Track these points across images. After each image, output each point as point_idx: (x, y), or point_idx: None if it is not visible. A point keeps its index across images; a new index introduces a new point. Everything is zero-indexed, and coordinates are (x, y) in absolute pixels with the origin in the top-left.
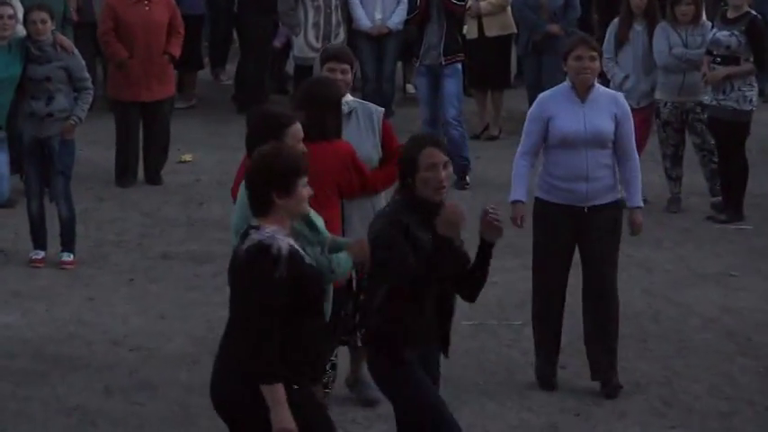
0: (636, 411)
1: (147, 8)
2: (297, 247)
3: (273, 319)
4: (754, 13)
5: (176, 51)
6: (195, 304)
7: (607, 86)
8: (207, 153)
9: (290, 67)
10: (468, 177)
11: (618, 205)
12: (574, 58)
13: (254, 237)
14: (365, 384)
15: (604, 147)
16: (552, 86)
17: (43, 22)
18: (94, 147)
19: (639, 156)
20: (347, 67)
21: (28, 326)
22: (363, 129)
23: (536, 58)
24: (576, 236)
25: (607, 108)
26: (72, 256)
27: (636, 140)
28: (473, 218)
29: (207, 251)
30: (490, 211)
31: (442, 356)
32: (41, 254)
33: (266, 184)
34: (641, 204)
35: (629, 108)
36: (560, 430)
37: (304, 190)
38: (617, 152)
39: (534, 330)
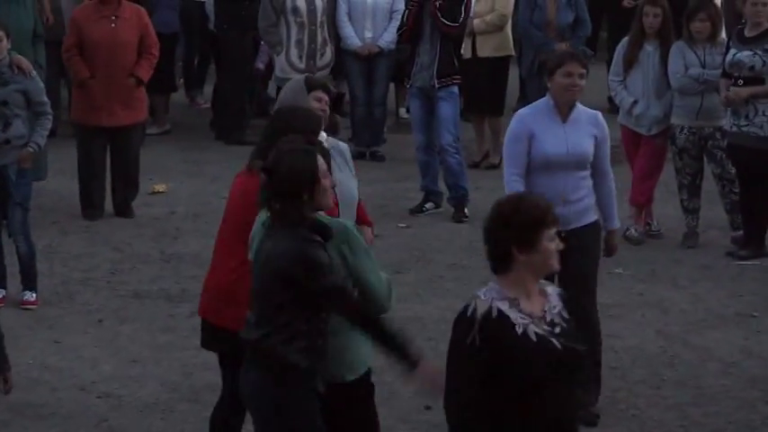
0: None
1: (112, 25)
2: (510, 312)
3: (474, 391)
4: None
5: (144, 74)
6: (170, 347)
7: (616, 111)
8: (182, 183)
9: (272, 89)
10: (466, 209)
11: (596, 226)
12: (563, 75)
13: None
14: None
15: (584, 168)
16: None
17: None
18: (60, 176)
19: (654, 186)
20: (328, 98)
21: None
22: (341, 167)
23: (542, 79)
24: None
25: (587, 128)
26: (34, 295)
27: (648, 171)
28: (470, 254)
29: (182, 289)
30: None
31: None
32: (1, 293)
33: (506, 238)
34: (618, 226)
35: (607, 128)
36: None
37: (551, 244)
38: (594, 173)
39: None
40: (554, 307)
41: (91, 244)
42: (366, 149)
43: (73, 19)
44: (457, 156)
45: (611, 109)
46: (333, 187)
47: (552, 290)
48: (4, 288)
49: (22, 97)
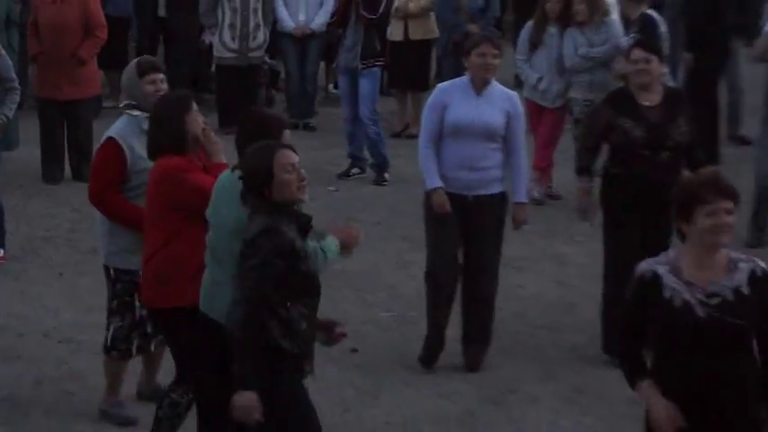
0: (549, 398)
1: (57, 8)
2: (666, 277)
3: (626, 340)
4: (648, 12)
5: (85, 54)
6: None
7: (520, 87)
8: None
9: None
10: (386, 174)
11: (503, 196)
12: (477, 55)
13: None
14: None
15: (493, 140)
16: None
17: None
18: (24, 145)
19: (553, 151)
20: (163, 76)
21: None
22: None
23: (455, 58)
24: (462, 223)
25: (500, 104)
26: (2, 251)
27: (550, 139)
28: (391, 214)
29: None
30: (335, 326)
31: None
32: None
33: (675, 211)
34: (525, 200)
35: (521, 108)
36: (476, 416)
37: (707, 220)
38: (507, 148)
39: (428, 312)
40: (729, 281)
41: (52, 205)
42: (299, 121)
43: (32, 1)
44: (374, 127)
45: (517, 84)
46: (302, 181)
47: (745, 266)
48: None
49: None
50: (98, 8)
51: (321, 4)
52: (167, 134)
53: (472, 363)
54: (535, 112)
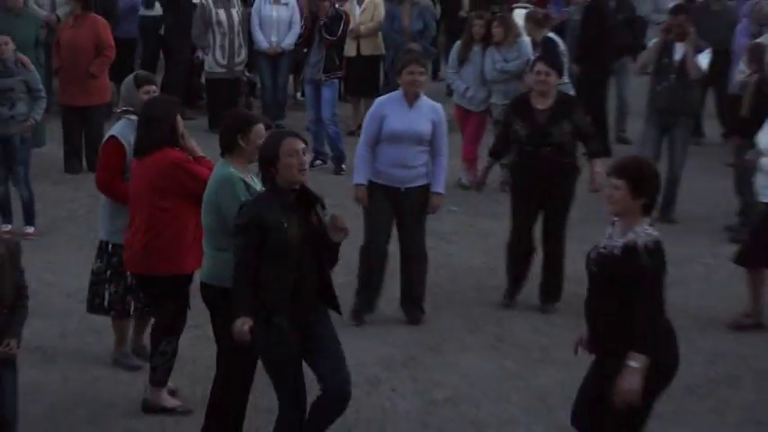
0: (476, 346)
1: (74, 32)
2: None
3: None
4: (550, 35)
5: (96, 70)
6: None
7: (451, 95)
8: None
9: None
10: (343, 165)
11: (428, 188)
12: (407, 73)
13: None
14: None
15: (422, 143)
16: None
17: (6, 44)
18: (50, 143)
19: (478, 146)
20: (155, 88)
21: None
22: None
23: None
24: (395, 210)
25: (427, 115)
26: (33, 228)
27: (475, 136)
28: (347, 198)
29: None
30: (337, 218)
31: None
32: (9, 226)
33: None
34: (441, 192)
35: (444, 117)
36: (417, 360)
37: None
38: (431, 149)
39: (360, 281)
40: (616, 242)
41: (73, 192)
42: (272, 123)
43: (55, 25)
44: (333, 126)
45: (448, 92)
46: (302, 165)
47: (631, 236)
48: (11, 222)
49: (24, 85)
50: (107, 32)
51: (290, 28)
52: (166, 129)
53: (412, 318)
54: (463, 115)
